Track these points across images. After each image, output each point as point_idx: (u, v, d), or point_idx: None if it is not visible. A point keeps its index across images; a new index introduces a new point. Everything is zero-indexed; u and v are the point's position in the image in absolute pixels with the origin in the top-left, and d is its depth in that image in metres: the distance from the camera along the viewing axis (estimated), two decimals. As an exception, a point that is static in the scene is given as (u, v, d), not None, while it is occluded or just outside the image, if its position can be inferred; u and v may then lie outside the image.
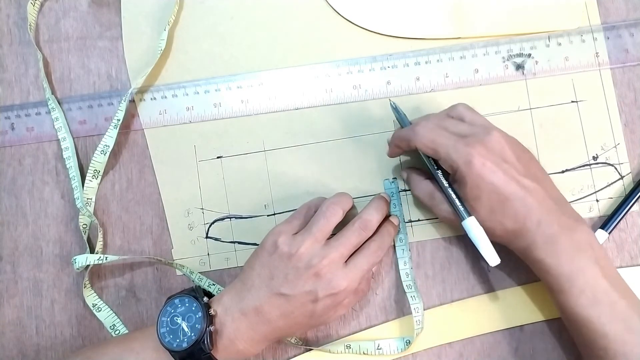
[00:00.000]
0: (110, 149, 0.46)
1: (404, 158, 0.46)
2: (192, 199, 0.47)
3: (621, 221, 0.44)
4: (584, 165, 0.45)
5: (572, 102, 0.46)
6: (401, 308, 0.45)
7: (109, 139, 0.46)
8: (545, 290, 0.40)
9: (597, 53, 0.46)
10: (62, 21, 0.50)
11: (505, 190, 0.37)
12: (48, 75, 0.49)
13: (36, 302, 0.47)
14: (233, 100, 0.48)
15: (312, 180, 0.47)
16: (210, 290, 0.46)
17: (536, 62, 0.46)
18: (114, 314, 0.46)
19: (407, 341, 0.44)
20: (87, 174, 0.47)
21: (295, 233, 0.41)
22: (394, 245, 0.45)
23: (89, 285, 0.47)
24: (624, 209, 0.44)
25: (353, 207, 0.44)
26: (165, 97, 0.48)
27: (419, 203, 0.46)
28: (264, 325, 0.39)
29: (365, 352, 0.44)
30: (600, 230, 0.44)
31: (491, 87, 0.47)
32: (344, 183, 0.46)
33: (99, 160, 0.47)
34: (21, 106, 0.49)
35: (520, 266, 0.41)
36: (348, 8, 0.48)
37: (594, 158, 0.45)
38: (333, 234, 0.41)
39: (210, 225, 0.47)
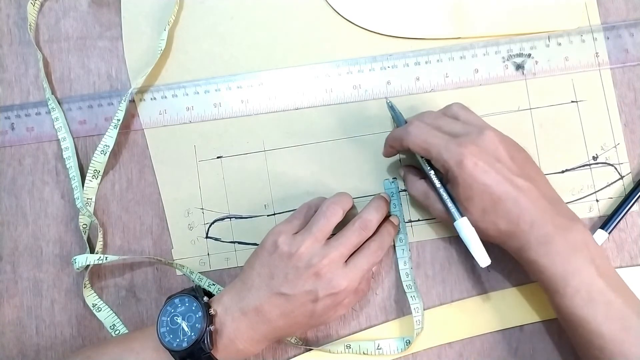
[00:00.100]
0: (110, 149, 0.46)
1: (403, 157, 0.46)
2: (192, 199, 0.47)
3: (621, 221, 0.44)
4: (584, 165, 0.45)
5: (572, 102, 0.46)
6: (401, 308, 0.45)
7: (109, 139, 0.46)
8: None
9: (597, 53, 0.46)
10: (62, 21, 0.50)
11: (498, 190, 0.37)
12: (48, 75, 0.49)
13: (36, 302, 0.47)
14: (233, 100, 0.48)
15: (312, 180, 0.47)
16: (210, 290, 0.46)
17: (536, 62, 0.46)
18: (114, 314, 0.46)
19: (407, 341, 0.44)
20: (87, 174, 0.47)
21: (296, 233, 0.41)
22: (394, 245, 0.45)
23: (89, 285, 0.47)
24: (624, 209, 0.44)
25: (353, 207, 0.44)
26: (165, 97, 0.48)
27: (416, 202, 0.46)
28: (264, 325, 0.39)
29: (365, 352, 0.44)
30: (600, 230, 0.44)
31: (491, 87, 0.47)
32: (344, 183, 0.46)
33: (99, 160, 0.47)
34: (21, 106, 0.49)
35: (520, 266, 0.41)
36: (348, 8, 0.48)
37: (594, 158, 0.46)
38: (333, 234, 0.41)
39: (210, 225, 0.47)
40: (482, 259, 0.39)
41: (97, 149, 0.46)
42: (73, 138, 0.48)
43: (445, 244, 0.46)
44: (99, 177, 0.47)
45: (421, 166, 0.41)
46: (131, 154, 0.48)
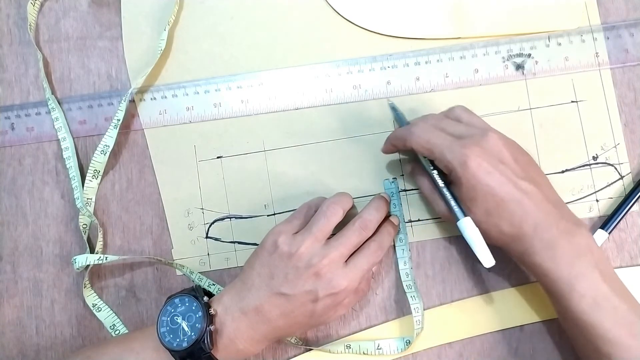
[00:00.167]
0: (110, 149, 0.46)
1: (403, 157, 0.46)
2: (192, 199, 0.47)
3: (621, 221, 0.44)
4: (584, 165, 0.45)
5: (572, 102, 0.46)
6: (401, 308, 0.45)
7: (109, 139, 0.46)
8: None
9: (597, 53, 0.46)
10: (62, 21, 0.50)
11: (501, 191, 0.37)
12: (48, 75, 0.49)
13: (36, 302, 0.47)
14: (233, 100, 0.48)
15: (312, 180, 0.47)
16: (210, 290, 0.46)
17: (536, 62, 0.46)
18: (114, 314, 0.46)
19: (407, 341, 0.44)
20: (87, 174, 0.47)
21: (296, 233, 0.41)
22: (394, 245, 0.45)
23: (89, 285, 0.47)
24: (624, 209, 0.44)
25: (353, 207, 0.44)
26: (165, 97, 0.48)
27: (420, 199, 0.46)
28: (264, 325, 0.39)
29: (365, 352, 0.44)
30: (600, 231, 0.44)
31: (491, 87, 0.47)
32: (344, 183, 0.46)
33: (99, 160, 0.47)
34: (21, 106, 0.49)
35: (520, 266, 0.41)
36: (348, 8, 0.48)
37: (594, 158, 0.46)
38: (333, 234, 0.41)
39: (210, 225, 0.47)
40: (487, 259, 0.38)
41: (97, 149, 0.46)
42: (73, 138, 0.48)
43: (446, 244, 0.46)
44: (99, 177, 0.47)
45: (424, 166, 0.41)
46: (131, 154, 0.48)
